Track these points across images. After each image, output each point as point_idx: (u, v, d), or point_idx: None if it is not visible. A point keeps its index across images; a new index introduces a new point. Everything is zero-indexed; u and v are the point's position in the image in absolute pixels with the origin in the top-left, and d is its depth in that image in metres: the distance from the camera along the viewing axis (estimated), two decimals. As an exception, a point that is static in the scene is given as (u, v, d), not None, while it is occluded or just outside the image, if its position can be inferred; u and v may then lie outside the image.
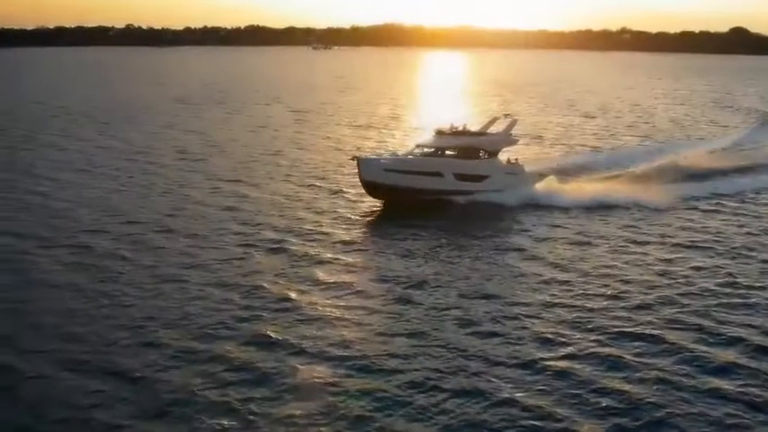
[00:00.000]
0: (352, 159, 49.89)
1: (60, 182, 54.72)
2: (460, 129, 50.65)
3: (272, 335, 27.42)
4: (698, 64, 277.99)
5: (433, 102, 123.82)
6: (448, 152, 49.32)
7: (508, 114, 55.21)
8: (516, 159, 52.41)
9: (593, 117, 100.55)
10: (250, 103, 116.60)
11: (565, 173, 54.70)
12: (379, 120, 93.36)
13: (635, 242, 40.30)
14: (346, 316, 29.62)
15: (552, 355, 26.23)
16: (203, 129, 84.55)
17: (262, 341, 27.00)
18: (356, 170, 48.71)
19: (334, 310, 30.19)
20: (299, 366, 25.03)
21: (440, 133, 50.60)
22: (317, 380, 24.29)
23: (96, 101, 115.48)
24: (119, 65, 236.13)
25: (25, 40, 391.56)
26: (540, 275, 34.74)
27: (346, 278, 34.19)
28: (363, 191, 48.87)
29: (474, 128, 52.78)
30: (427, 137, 53.32)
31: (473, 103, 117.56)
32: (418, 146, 51.33)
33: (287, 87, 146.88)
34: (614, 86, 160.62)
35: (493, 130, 52.60)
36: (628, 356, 26.22)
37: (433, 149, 49.81)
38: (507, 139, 52.06)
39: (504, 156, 52.18)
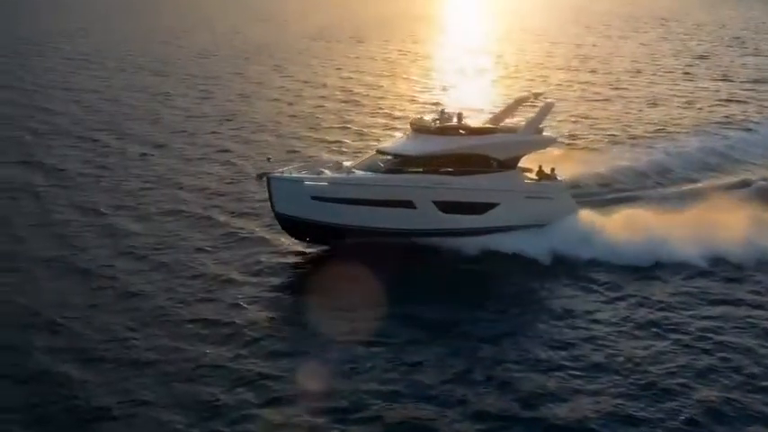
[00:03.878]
0: (260, 178, 31.07)
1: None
2: (453, 122, 32.11)
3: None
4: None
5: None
6: (432, 162, 31.09)
7: (539, 94, 36.62)
8: (553, 170, 32.96)
9: None
10: (397, 40, 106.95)
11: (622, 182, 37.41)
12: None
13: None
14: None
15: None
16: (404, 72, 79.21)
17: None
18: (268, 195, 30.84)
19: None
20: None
21: (417, 130, 32.20)
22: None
23: (234, 41, 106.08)
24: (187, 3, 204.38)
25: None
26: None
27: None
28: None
29: (475, 119, 35.77)
30: (396, 138, 34.81)
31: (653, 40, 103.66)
32: (380, 152, 32.24)
33: (400, 24, 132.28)
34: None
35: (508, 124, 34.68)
36: None
37: (401, 159, 30.99)
38: (534, 138, 32.73)
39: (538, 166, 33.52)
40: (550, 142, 33.99)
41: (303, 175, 31.17)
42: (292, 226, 30.68)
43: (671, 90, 67.24)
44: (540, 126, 33.11)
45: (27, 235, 33.05)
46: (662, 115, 56.14)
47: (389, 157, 31.32)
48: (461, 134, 31.68)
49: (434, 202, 30.56)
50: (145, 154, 46.35)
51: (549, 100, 35.71)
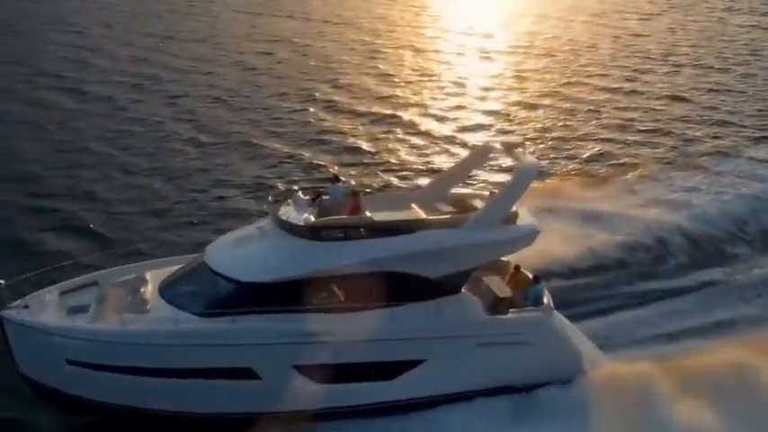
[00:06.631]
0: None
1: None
2: (341, 211, 18.28)
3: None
4: None
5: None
6: (298, 293, 17.25)
7: (513, 145, 20.46)
8: (536, 279, 19.64)
9: None
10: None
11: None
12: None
13: None
14: None
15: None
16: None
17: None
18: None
19: None
20: None
21: (282, 227, 17.86)
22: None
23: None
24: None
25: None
26: None
27: None
28: None
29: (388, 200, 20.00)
30: (242, 234, 19.17)
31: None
32: (210, 270, 17.88)
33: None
34: None
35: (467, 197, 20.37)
36: None
37: (238, 288, 17.30)
38: (496, 236, 18.18)
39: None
40: (527, 239, 18.58)
41: (58, 316, 17.85)
42: (47, 395, 18.32)
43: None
44: (513, 209, 18.46)
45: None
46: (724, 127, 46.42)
47: (221, 281, 17.52)
48: (358, 235, 17.51)
49: (298, 368, 17.29)
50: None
51: (527, 159, 19.33)
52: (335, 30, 78.88)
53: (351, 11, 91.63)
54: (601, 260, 26.53)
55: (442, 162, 38.69)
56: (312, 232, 17.33)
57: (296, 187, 19.55)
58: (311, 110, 48.12)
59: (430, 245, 17.57)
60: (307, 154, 39.38)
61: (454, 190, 20.57)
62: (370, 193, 21.80)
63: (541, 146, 42.01)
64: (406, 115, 47.41)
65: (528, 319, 18.47)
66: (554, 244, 26.66)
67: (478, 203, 19.30)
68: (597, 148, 42.00)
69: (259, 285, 17.05)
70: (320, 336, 17.04)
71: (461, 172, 22.02)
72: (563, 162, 39.68)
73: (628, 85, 56.19)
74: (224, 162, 38.11)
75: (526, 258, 24.19)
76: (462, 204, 19.59)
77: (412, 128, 44.78)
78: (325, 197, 18.79)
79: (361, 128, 44.65)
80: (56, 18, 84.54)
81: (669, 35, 78.81)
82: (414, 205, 19.27)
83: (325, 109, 48.37)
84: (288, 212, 18.12)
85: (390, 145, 41.56)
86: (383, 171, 37.31)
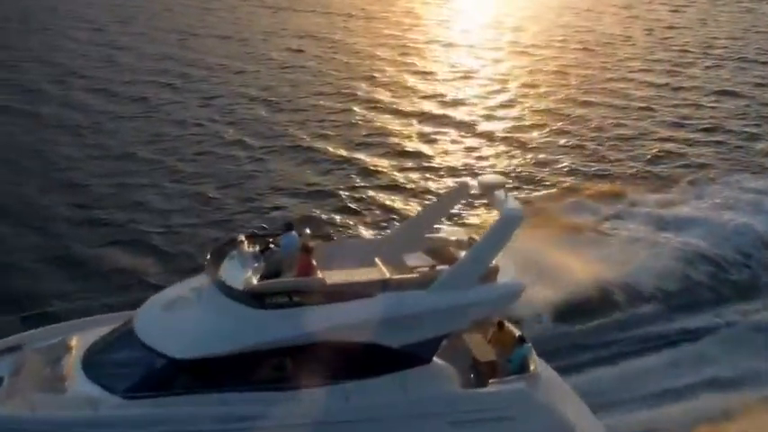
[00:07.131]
0: None
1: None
2: (296, 258, 15.34)
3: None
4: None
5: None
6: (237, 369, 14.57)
7: (492, 186, 16.32)
8: (522, 339, 16.63)
9: None
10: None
11: None
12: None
13: None
14: None
15: None
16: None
17: None
18: None
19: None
20: None
21: (218, 286, 14.72)
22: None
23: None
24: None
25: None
26: None
27: None
28: None
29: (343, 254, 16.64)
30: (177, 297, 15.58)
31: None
32: (141, 345, 14.78)
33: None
34: None
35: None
36: None
37: (168, 366, 14.33)
38: (472, 297, 15.10)
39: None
40: (509, 298, 16.06)
41: None
42: None
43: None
44: (493, 263, 15.52)
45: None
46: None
47: (150, 356, 14.70)
48: (308, 300, 14.62)
49: None
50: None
51: (509, 204, 15.92)
52: (361, 24, 77.04)
53: (372, 4, 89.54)
54: (685, 278, 25.03)
55: (506, 165, 36.91)
56: (253, 298, 14.40)
57: (241, 237, 16.18)
58: (355, 109, 46.17)
59: (393, 310, 14.72)
60: (360, 157, 37.59)
61: (429, 234, 17.60)
62: (332, 239, 20.09)
63: (600, 146, 40.38)
64: (455, 114, 45.51)
65: (509, 392, 15.48)
66: (633, 255, 25.09)
67: (457, 251, 16.38)
68: (657, 147, 40.53)
69: (192, 362, 14.28)
70: (263, 419, 14.18)
71: (436, 213, 18.46)
72: (627, 163, 38.17)
73: (673, 81, 54.52)
74: (275, 167, 36.28)
75: (601, 272, 23.43)
76: (438, 253, 16.67)
77: (464, 128, 42.83)
78: (274, 248, 15.82)
79: (410, 128, 42.74)
80: (70, 14, 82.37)
81: (701, 27, 77.05)
82: (378, 259, 15.86)
83: (368, 108, 46.43)
84: (229, 269, 15.22)
85: (446, 146, 39.76)
86: (443, 175, 35.53)
